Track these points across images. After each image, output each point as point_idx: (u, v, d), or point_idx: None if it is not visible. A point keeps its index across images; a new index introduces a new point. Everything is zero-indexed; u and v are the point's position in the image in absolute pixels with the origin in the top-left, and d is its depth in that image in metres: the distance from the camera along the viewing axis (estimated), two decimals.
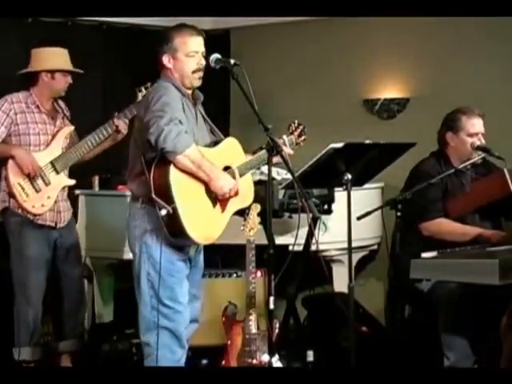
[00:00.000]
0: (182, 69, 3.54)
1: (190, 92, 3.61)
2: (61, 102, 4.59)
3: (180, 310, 3.52)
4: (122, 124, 4.43)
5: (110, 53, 5.64)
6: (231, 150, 3.66)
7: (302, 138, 3.96)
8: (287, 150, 3.75)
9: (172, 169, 3.37)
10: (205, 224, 3.48)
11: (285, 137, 3.86)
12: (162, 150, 3.34)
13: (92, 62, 4.55)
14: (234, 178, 3.54)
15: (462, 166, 4.22)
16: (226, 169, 3.58)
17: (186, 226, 3.38)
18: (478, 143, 4.19)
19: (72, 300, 4.58)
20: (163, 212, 3.35)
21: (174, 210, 3.34)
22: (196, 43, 3.55)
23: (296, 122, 3.95)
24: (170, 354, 3.50)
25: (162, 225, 3.39)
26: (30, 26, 5.23)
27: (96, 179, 5.23)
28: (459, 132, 4.23)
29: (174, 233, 3.41)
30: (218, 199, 3.52)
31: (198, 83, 3.58)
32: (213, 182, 3.44)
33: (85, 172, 4.70)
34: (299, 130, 3.94)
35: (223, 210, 3.55)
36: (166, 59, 3.55)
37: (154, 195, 3.36)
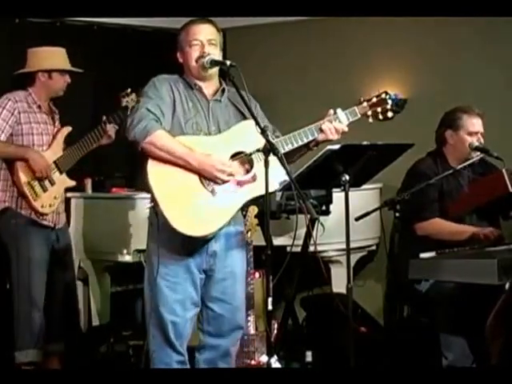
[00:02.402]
0: (186, 60, 3.44)
1: (207, 84, 3.45)
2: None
3: (167, 317, 3.38)
4: (111, 129, 4.43)
5: (101, 54, 5.61)
6: (248, 133, 3.39)
7: (386, 106, 3.46)
8: (339, 126, 3.42)
9: (149, 161, 3.27)
10: (196, 215, 3.29)
11: (339, 110, 3.45)
12: (128, 140, 3.29)
13: (82, 63, 4.53)
14: (250, 163, 3.35)
15: (460, 166, 4.21)
16: (237, 155, 3.37)
17: (171, 219, 3.24)
18: (476, 144, 4.19)
19: (62, 303, 4.54)
20: (148, 205, 3.29)
21: (156, 202, 3.25)
22: (197, 31, 3.43)
23: (381, 90, 3.49)
24: (165, 357, 3.42)
25: (154, 223, 3.31)
26: (18, 27, 5.20)
27: (89, 182, 5.21)
28: (459, 130, 4.21)
29: (166, 226, 3.29)
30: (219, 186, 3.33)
31: (204, 73, 3.41)
32: (196, 169, 3.27)
33: (77, 175, 4.67)
34: (375, 100, 3.47)
35: (230, 197, 3.33)
36: (178, 55, 3.48)
37: (145, 190, 3.32)
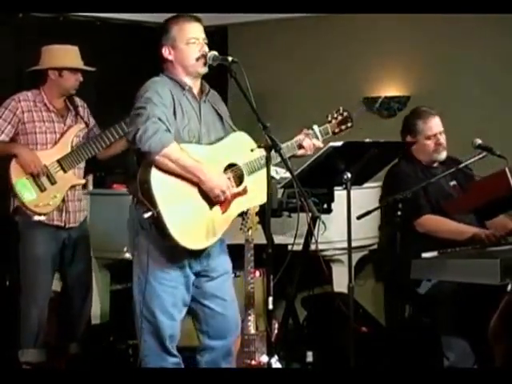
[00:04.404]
0: (183, 58, 3.39)
1: (195, 84, 3.45)
2: (78, 100, 4.53)
3: (164, 321, 3.38)
4: None
5: (104, 50, 5.60)
6: (239, 145, 3.46)
7: (347, 125, 3.68)
8: (316, 143, 3.58)
9: (153, 170, 3.24)
10: (197, 228, 3.32)
11: (315, 127, 3.62)
12: (138, 151, 3.24)
13: (85, 59, 4.51)
14: (240, 176, 3.40)
15: (461, 165, 4.18)
16: (231, 166, 3.42)
17: (173, 232, 3.23)
18: (479, 142, 4.14)
19: (77, 302, 4.53)
20: (146, 215, 3.23)
21: (158, 214, 3.22)
22: (195, 29, 3.40)
23: (341, 108, 3.70)
24: (161, 361, 3.42)
25: (149, 227, 3.29)
26: (22, 22, 5.20)
27: (90, 178, 5.19)
28: (417, 136, 4.26)
29: (162, 237, 3.29)
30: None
31: (203, 70, 3.40)
32: (203, 184, 3.29)
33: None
34: (340, 118, 3.68)
35: (224, 210, 3.37)
36: (165, 51, 3.41)
37: (140, 196, 3.26)
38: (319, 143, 3.61)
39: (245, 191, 3.40)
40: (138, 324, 3.42)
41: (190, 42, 3.38)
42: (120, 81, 5.60)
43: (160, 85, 3.36)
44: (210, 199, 3.35)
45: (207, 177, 3.30)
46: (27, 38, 4.78)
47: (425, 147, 4.25)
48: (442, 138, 4.25)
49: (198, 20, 3.44)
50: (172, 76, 3.43)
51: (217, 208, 3.37)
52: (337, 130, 3.68)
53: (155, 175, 3.25)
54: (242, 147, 3.44)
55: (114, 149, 4.45)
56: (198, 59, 3.38)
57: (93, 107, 5.19)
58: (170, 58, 3.42)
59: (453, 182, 4.31)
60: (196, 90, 3.46)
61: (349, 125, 3.69)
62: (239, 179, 3.42)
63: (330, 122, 3.65)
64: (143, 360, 3.45)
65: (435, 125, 4.25)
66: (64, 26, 5.38)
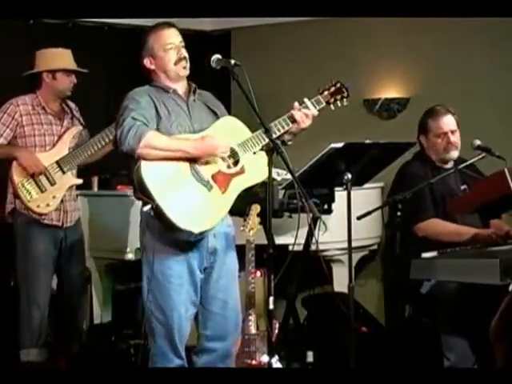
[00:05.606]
0: (164, 64, 3.47)
1: (181, 86, 3.52)
2: (70, 103, 4.58)
3: (174, 319, 3.41)
4: None
5: (112, 54, 5.63)
6: (229, 128, 3.50)
7: (343, 94, 3.66)
8: (309, 112, 3.57)
9: (142, 164, 3.29)
10: (198, 211, 3.34)
11: (306, 100, 3.61)
12: (122, 152, 3.31)
13: (94, 63, 4.54)
14: (235, 156, 3.43)
15: (461, 166, 4.20)
16: None
17: (175, 220, 3.27)
18: (478, 143, 4.17)
19: (73, 301, 4.57)
20: (145, 208, 3.28)
21: (157, 206, 3.26)
22: (170, 35, 3.49)
23: (332, 81, 3.68)
24: (167, 362, 3.44)
25: (154, 225, 3.34)
26: (32, 28, 5.25)
27: (95, 179, 5.22)
28: (428, 134, 4.26)
29: (167, 228, 3.33)
30: (215, 181, 3.39)
31: (184, 72, 3.49)
32: (196, 154, 3.32)
33: (84, 172, 4.69)
34: (333, 89, 3.66)
35: (224, 190, 3.40)
36: (147, 62, 3.51)
37: (138, 194, 3.32)
38: (313, 111, 3.59)
39: (242, 170, 3.43)
40: (149, 324, 3.45)
41: (167, 47, 3.47)
42: (128, 84, 5.62)
43: (138, 93, 3.46)
44: (206, 181, 3.37)
45: (195, 146, 3.34)
46: (38, 44, 4.81)
47: (435, 146, 4.24)
48: (454, 137, 4.23)
49: (173, 25, 3.53)
50: (156, 84, 3.50)
51: (215, 189, 3.39)
52: (331, 100, 3.64)
53: (145, 169, 3.29)
54: (232, 130, 3.49)
55: (101, 152, 4.50)
56: (176, 63, 3.46)
57: (102, 111, 5.24)
58: (152, 67, 3.51)
59: (463, 187, 4.31)
60: (182, 91, 3.52)
61: (344, 94, 3.66)
62: (235, 160, 3.45)
63: (321, 93, 3.64)
64: (151, 360, 3.48)
65: (445, 123, 4.23)
66: (73, 32, 5.42)
